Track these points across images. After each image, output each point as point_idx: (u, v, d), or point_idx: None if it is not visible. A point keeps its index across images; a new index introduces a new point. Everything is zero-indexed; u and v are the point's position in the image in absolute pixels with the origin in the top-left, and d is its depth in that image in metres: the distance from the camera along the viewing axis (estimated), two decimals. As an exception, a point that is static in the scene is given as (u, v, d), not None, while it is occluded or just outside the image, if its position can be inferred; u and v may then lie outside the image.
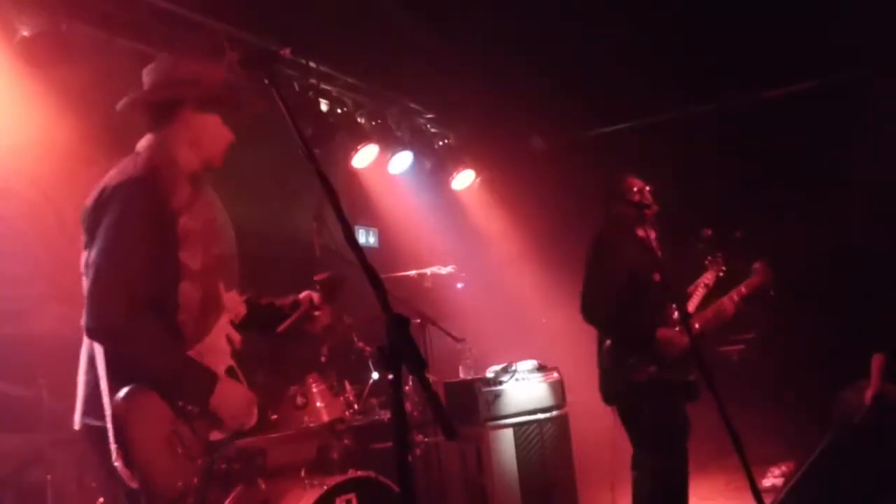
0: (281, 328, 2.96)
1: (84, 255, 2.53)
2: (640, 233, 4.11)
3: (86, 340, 2.54)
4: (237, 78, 2.87)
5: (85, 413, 2.49)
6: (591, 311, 4.01)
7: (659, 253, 4.19)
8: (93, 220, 2.48)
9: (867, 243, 6.16)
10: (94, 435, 2.43)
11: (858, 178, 6.23)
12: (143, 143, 2.68)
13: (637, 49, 5.91)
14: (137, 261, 2.42)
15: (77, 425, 2.53)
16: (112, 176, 2.54)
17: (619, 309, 3.92)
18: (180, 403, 2.43)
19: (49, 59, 4.03)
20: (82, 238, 2.56)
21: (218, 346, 2.65)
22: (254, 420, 2.66)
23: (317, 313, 3.03)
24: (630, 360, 3.83)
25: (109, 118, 2.86)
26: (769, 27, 5.70)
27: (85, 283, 2.47)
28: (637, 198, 4.09)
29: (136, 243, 2.43)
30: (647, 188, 4.20)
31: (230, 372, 2.67)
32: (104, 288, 2.39)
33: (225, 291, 2.70)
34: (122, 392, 2.32)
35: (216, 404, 2.49)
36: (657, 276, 4.02)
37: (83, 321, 2.42)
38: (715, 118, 6.97)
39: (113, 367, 2.42)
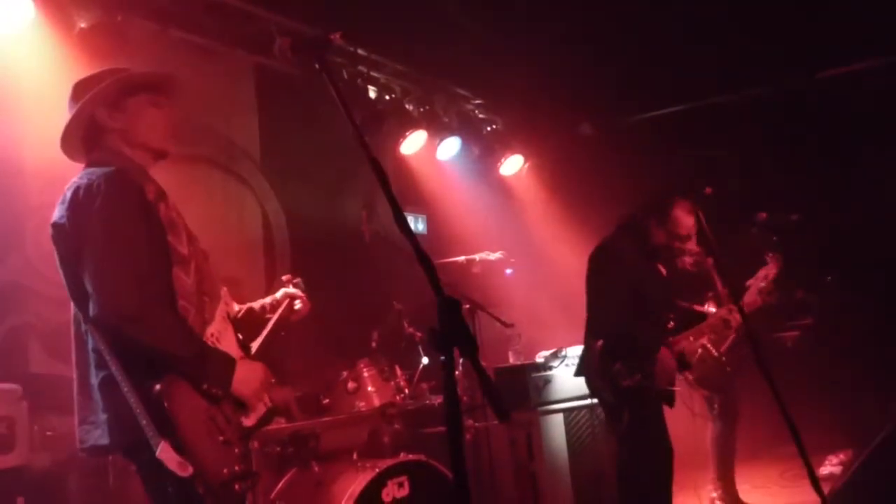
0: (269, 326, 2.92)
1: (61, 274, 2.44)
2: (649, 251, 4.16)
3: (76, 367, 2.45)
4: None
5: (115, 431, 2.34)
6: (600, 321, 4.05)
7: (664, 272, 4.24)
8: (75, 222, 2.38)
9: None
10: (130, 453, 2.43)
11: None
12: (89, 169, 2.51)
13: (687, 31, 5.81)
14: (136, 244, 2.37)
15: (93, 443, 2.39)
16: (77, 181, 2.43)
17: (627, 317, 3.97)
18: (205, 386, 2.36)
19: (106, 51, 4.14)
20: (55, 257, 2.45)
21: (226, 335, 2.59)
22: (267, 398, 2.62)
23: (298, 305, 3.02)
24: (616, 365, 3.87)
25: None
26: (824, 6, 5.54)
27: (87, 282, 2.33)
28: (674, 240, 4.13)
29: (131, 227, 2.37)
30: (694, 235, 4.14)
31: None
32: (111, 273, 2.31)
33: (217, 282, 2.66)
34: (159, 382, 2.27)
35: (238, 388, 2.45)
36: (660, 293, 4.10)
37: (92, 312, 2.31)
38: (767, 100, 6.81)
39: (125, 361, 2.32)
